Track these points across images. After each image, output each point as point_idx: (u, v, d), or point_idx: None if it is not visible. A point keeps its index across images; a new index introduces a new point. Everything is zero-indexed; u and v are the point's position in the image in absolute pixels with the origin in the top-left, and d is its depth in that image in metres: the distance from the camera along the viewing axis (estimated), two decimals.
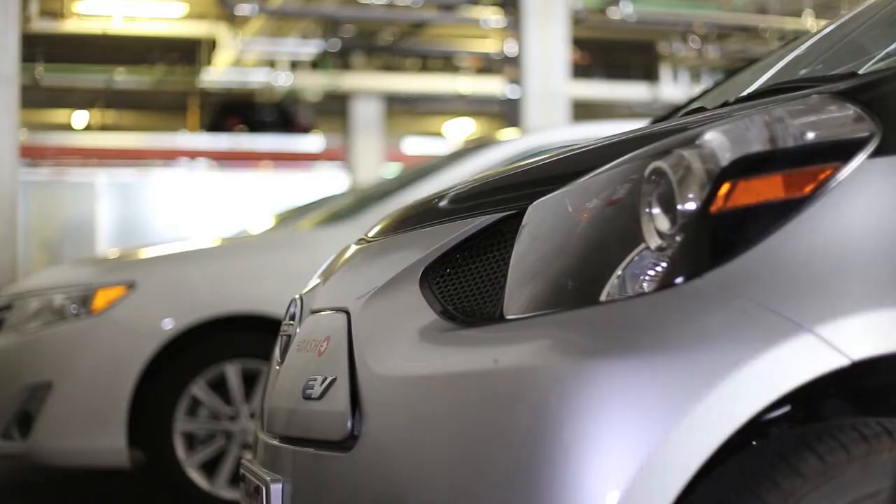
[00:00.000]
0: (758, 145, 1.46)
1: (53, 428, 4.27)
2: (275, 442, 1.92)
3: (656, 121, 2.62)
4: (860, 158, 1.43)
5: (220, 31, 13.71)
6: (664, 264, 1.41)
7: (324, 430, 1.73)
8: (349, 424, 1.66)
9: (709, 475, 1.36)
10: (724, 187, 1.41)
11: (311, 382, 1.82)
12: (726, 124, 1.51)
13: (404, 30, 14.04)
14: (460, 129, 18.75)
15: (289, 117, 16.53)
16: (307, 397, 1.82)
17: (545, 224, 1.59)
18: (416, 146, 17.31)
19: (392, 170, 14.27)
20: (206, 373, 4.36)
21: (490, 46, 13.98)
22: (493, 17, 11.86)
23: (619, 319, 1.40)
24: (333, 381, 1.75)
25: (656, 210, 1.44)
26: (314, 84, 14.87)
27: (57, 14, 12.80)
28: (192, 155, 15.96)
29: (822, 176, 1.42)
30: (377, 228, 2.14)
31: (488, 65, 14.80)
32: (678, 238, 1.41)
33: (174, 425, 4.32)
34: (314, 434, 1.78)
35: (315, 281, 2.18)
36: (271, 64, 14.30)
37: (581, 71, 13.69)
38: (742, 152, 1.44)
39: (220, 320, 4.37)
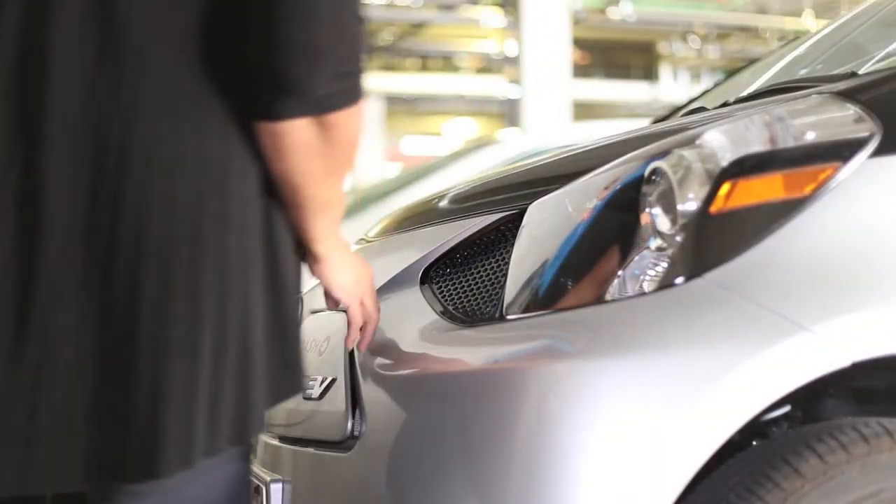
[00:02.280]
0: (758, 145, 1.45)
1: None
2: (275, 442, 1.92)
3: (656, 121, 2.62)
4: (860, 158, 1.43)
5: None
6: (664, 264, 1.41)
7: (324, 431, 1.73)
8: (349, 425, 1.66)
9: (709, 475, 1.36)
10: (725, 187, 1.41)
11: (311, 382, 1.82)
12: (726, 124, 1.51)
13: (404, 30, 14.04)
14: (460, 129, 18.74)
15: None
16: (307, 397, 1.82)
17: (545, 224, 1.58)
18: (416, 146, 17.30)
19: (392, 170, 14.25)
20: None
21: (490, 46, 13.98)
22: (493, 16, 11.86)
23: (619, 319, 1.39)
24: (333, 381, 1.75)
25: (656, 210, 1.43)
26: None
27: None
28: None
29: (822, 176, 1.42)
30: (377, 228, 2.14)
31: (488, 65, 14.80)
32: (678, 238, 1.41)
33: None
34: (314, 434, 1.78)
35: (316, 281, 2.18)
36: None
37: (581, 71, 13.69)
38: (742, 152, 1.44)
39: None
